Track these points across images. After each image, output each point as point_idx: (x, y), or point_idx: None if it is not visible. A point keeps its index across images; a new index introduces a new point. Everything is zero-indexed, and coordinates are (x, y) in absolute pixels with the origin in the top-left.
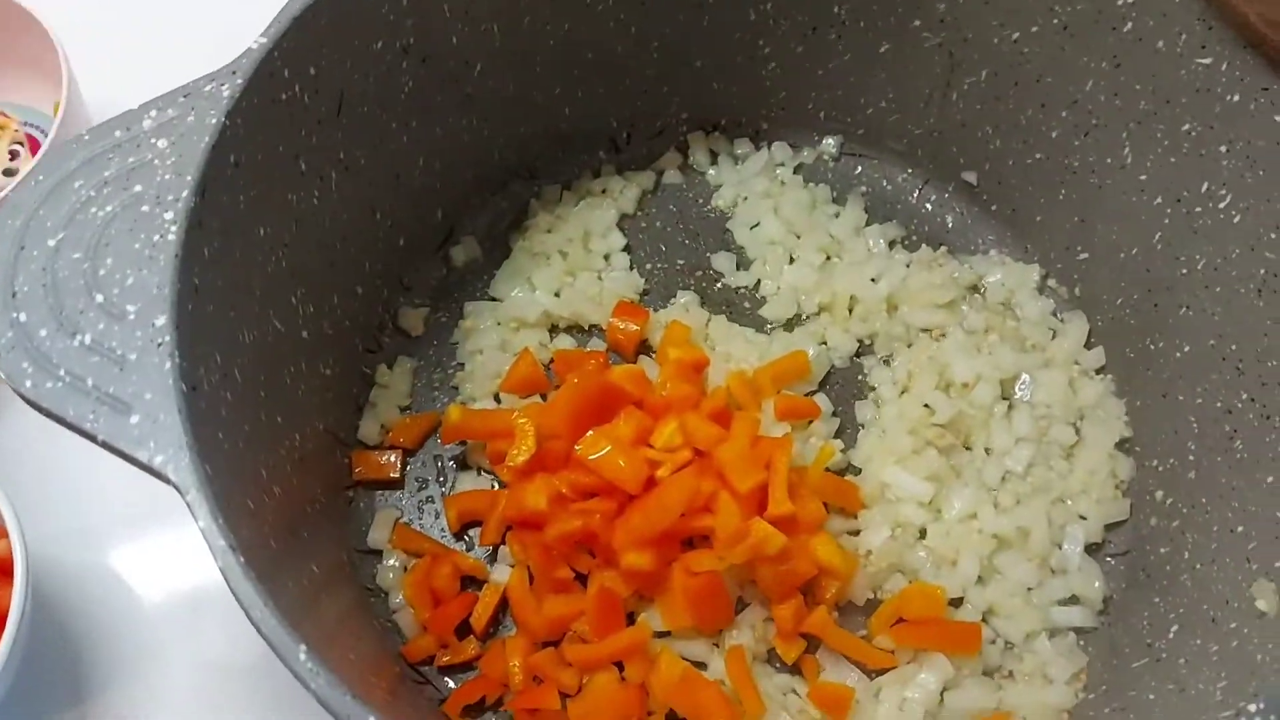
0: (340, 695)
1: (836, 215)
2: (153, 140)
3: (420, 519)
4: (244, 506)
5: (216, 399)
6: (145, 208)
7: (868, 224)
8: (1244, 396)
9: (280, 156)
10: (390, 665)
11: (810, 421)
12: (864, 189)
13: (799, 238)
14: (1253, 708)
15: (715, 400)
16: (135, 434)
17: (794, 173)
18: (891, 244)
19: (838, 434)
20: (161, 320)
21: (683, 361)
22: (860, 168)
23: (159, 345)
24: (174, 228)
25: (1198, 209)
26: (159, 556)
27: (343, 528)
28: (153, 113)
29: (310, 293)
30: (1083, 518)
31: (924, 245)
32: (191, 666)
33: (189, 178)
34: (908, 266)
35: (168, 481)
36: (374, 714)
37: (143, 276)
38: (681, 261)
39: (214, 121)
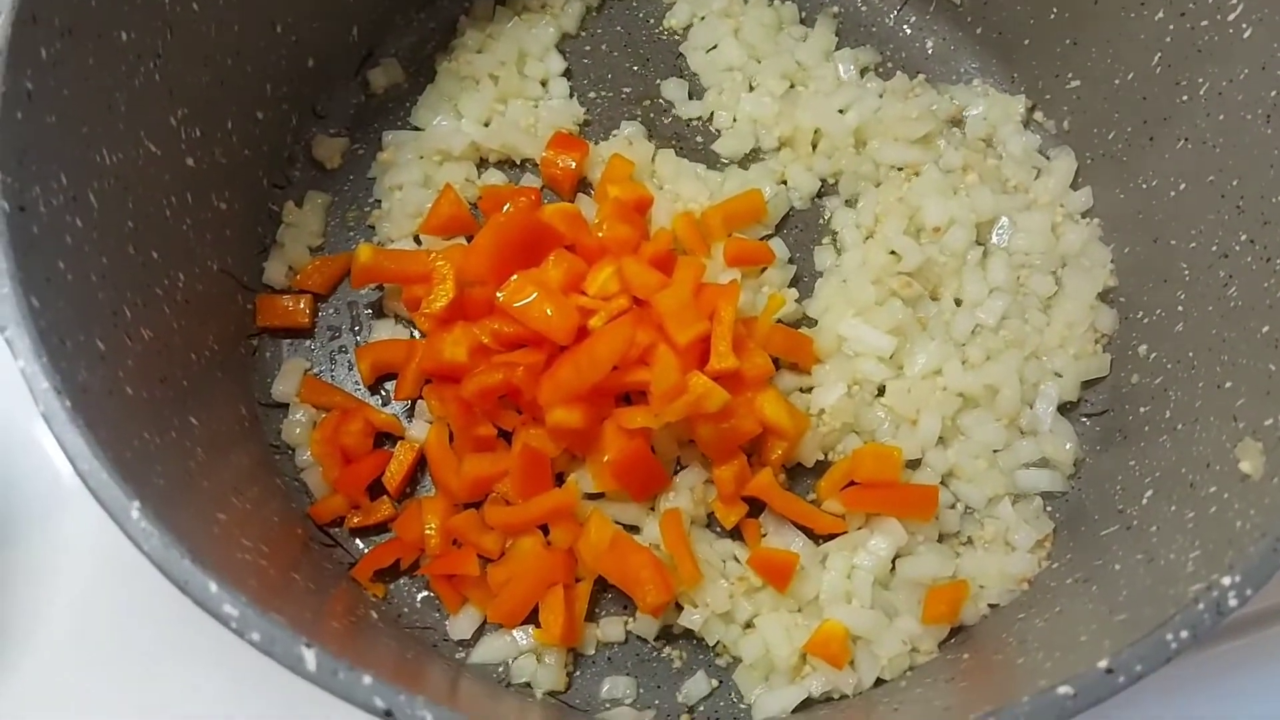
0: (175, 558)
1: (804, 38)
2: None
3: (331, 370)
4: (89, 348)
5: (58, 224)
6: None
7: (838, 48)
8: (1243, 238)
9: None
10: (294, 527)
11: (764, 269)
12: (836, 9)
13: (760, 63)
14: (1226, 580)
15: (658, 243)
16: None
17: None
18: (864, 71)
19: (793, 282)
20: None
21: (623, 200)
22: None
23: None
24: (0, 20)
25: (1204, 23)
26: None
27: (244, 379)
28: None
29: (195, 114)
30: (1058, 375)
31: (900, 73)
32: (98, 524)
33: None
34: (880, 97)
35: None
36: (213, 579)
37: None
38: (628, 89)
39: None
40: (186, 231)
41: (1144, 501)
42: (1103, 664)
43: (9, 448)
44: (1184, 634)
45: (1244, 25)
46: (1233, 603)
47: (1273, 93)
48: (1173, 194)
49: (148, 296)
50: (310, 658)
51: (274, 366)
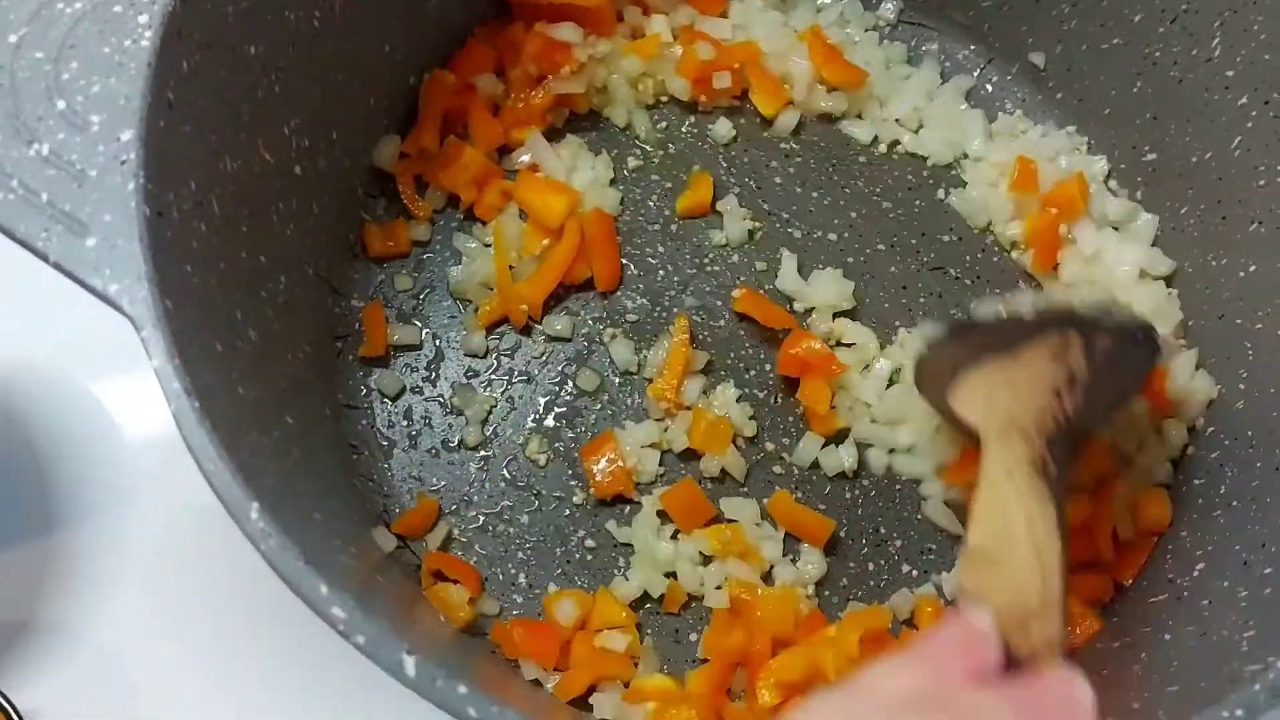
0: (290, 559)
1: (908, 78)
2: None
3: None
4: (210, 349)
5: (187, 229)
6: (118, 8)
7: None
8: None
9: None
10: (368, 527)
11: None
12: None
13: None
14: None
15: None
16: (90, 258)
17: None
18: (968, 94)
19: None
20: (128, 135)
21: None
22: (917, 39)
23: (123, 162)
24: (149, 33)
25: None
26: (146, 387)
27: (330, 379)
28: None
29: (306, 125)
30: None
31: (1001, 113)
32: (168, 506)
33: None
34: (991, 138)
35: (123, 313)
36: (323, 581)
37: (110, 85)
38: None
39: None
40: (290, 236)
41: (1195, 574)
42: None
43: (73, 411)
44: (1239, 712)
45: None
46: None
47: None
48: (1241, 274)
49: (255, 299)
50: (410, 664)
51: (356, 368)
